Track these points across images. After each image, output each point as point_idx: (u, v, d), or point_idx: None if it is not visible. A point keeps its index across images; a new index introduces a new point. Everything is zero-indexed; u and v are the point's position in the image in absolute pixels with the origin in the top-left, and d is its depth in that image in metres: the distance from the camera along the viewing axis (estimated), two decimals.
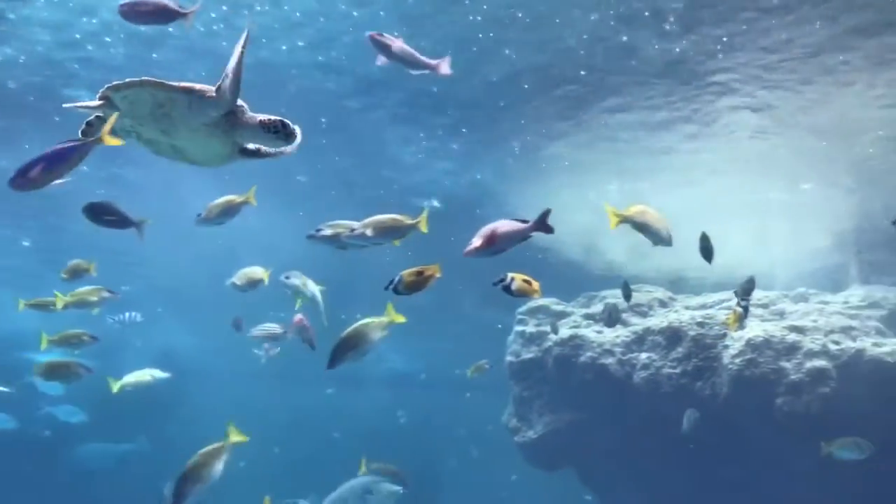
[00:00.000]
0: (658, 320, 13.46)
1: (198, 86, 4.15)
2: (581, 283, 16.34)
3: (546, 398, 14.51)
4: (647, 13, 9.42)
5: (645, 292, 14.96)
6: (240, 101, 4.26)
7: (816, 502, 11.68)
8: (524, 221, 5.75)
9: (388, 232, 6.41)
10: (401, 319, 6.14)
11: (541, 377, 14.53)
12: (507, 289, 6.03)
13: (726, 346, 12.16)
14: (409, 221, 6.41)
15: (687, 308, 14.06)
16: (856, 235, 15.11)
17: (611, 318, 12.56)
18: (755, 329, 12.13)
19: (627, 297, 10.69)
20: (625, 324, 13.85)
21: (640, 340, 13.30)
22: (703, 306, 13.92)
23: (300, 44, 10.48)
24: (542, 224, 5.67)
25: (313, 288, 9.09)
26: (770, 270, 15.15)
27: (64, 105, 4.55)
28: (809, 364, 11.49)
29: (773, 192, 14.88)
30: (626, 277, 12.01)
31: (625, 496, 14.19)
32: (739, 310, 9.04)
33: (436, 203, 15.87)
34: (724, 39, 9.95)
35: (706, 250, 7.30)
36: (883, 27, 9.53)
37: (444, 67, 5.96)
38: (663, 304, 14.65)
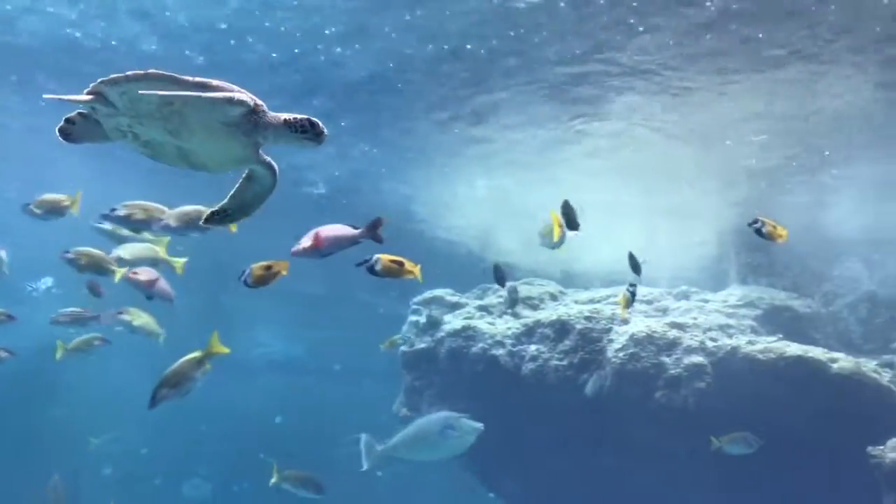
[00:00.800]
0: (548, 313, 13.74)
1: (214, 81, 3.71)
2: (478, 275, 16.58)
3: (437, 388, 14.59)
4: (524, 13, 9.56)
5: (537, 286, 15.27)
6: (259, 101, 3.83)
7: (690, 491, 12.19)
8: (356, 227, 5.86)
9: (192, 224, 6.40)
10: (224, 351, 6.11)
11: (433, 367, 14.59)
12: (371, 269, 6.02)
13: (611, 341, 12.54)
14: None
15: (576, 302, 14.41)
16: (735, 237, 15.84)
17: (511, 299, 12.84)
18: (639, 324, 12.55)
19: (499, 280, 10.66)
20: (516, 316, 14.09)
21: (529, 333, 13.55)
22: (592, 301, 14.29)
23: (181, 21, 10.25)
24: (373, 232, 5.81)
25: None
26: (655, 269, 15.71)
27: (45, 96, 3.96)
28: (688, 360, 11.98)
29: (657, 195, 15.49)
30: (521, 271, 12.27)
31: (509, 484, 14.45)
32: (628, 294, 9.38)
33: (321, 189, 15.83)
34: (606, 40, 10.20)
35: (568, 217, 7.27)
36: (764, 36, 10.00)
37: None
38: (554, 297, 14.96)
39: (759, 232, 7.31)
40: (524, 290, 14.73)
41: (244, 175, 4.11)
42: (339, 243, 5.81)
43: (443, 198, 16.47)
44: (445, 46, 10.50)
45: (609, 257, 13.39)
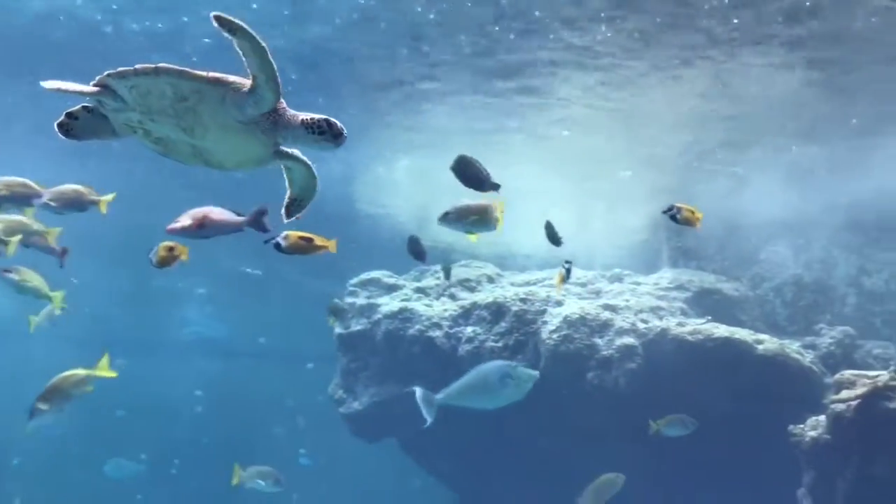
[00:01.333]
0: (484, 295, 13.84)
1: (231, 77, 3.49)
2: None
3: (373, 370, 14.56)
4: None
5: (474, 268, 15.33)
6: (281, 99, 3.60)
7: (622, 471, 12.42)
8: (240, 214, 5.79)
9: (69, 203, 6.50)
10: (111, 375, 6.16)
11: (369, 349, 14.56)
12: (277, 247, 5.95)
13: (545, 322, 12.68)
14: (93, 197, 6.54)
15: (513, 284, 14.54)
16: (666, 221, 16.14)
17: (445, 272, 12.91)
18: (572, 306, 12.72)
19: (415, 254, 10.37)
20: (453, 298, 14.14)
21: (466, 314, 13.61)
22: (528, 283, 14.43)
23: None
24: (257, 222, 5.72)
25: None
26: (590, 252, 15.92)
27: (42, 84, 3.55)
28: (619, 341, 12.20)
29: (590, 180, 15.68)
30: (459, 253, 12.18)
31: (445, 466, 14.55)
32: (563, 271, 9.48)
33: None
34: (546, 22, 10.22)
35: (464, 175, 7.02)
36: (702, 27, 10.17)
37: None
38: (491, 279, 15.05)
39: (674, 218, 7.39)
40: (462, 273, 14.80)
41: (283, 167, 3.95)
42: (221, 227, 5.73)
43: (377, 178, 16.35)
44: (380, 26, 10.39)
45: (544, 242, 13.56)
